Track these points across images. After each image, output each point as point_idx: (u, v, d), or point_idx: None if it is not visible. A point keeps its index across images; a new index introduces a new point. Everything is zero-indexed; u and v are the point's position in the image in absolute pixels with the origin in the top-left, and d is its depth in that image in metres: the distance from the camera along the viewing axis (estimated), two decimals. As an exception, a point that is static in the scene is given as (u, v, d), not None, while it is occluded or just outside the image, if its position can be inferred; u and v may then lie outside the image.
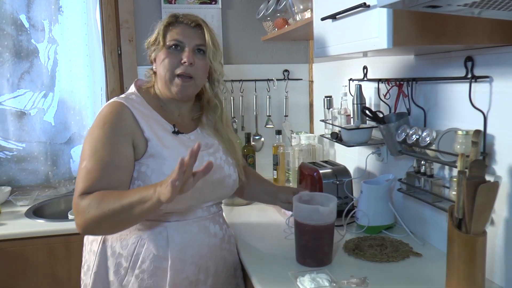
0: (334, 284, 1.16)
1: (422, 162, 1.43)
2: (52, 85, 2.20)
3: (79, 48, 2.20)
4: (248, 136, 2.38)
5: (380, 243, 1.51)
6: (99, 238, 1.35)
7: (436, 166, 1.43)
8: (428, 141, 1.35)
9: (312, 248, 1.34)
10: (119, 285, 1.30)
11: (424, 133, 1.37)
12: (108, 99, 2.28)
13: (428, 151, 1.38)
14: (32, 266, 1.82)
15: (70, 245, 1.83)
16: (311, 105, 2.61)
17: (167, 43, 1.32)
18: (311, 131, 2.60)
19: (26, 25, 2.15)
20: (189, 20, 1.34)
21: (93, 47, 2.20)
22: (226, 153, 1.44)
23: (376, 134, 1.81)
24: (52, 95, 2.21)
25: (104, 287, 1.32)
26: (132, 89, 1.39)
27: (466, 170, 1.10)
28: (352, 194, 1.82)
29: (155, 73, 1.38)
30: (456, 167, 1.25)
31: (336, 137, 1.81)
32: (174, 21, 1.34)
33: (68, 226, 1.83)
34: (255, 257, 1.43)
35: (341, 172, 1.82)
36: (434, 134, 1.34)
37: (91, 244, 1.38)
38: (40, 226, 1.87)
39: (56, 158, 2.24)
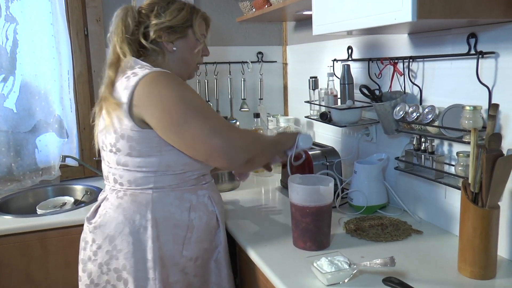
0: (355, 266, 1.13)
1: (422, 139, 1.43)
2: (12, 68, 2.02)
3: (43, 28, 2.02)
4: (224, 120, 2.31)
5: (380, 222, 1.50)
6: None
7: (437, 143, 1.43)
8: (431, 118, 1.35)
9: (313, 230, 1.32)
10: (178, 253, 1.30)
11: (426, 110, 1.37)
12: (75, 83, 2.13)
13: (429, 128, 1.38)
14: (4, 266, 1.67)
15: (47, 242, 1.69)
16: (285, 88, 2.58)
17: (201, 35, 1.38)
18: (286, 114, 2.57)
19: (-20, 1, 1.95)
20: (208, 18, 1.45)
21: (58, 27, 2.03)
22: None
23: (365, 114, 1.80)
24: (13, 79, 2.03)
25: (166, 253, 1.29)
26: (139, 62, 1.28)
27: (480, 144, 1.11)
28: (341, 175, 1.81)
29: (163, 52, 1.34)
30: (463, 142, 1.26)
31: (326, 118, 1.79)
32: (207, 17, 1.44)
33: (42, 221, 1.70)
34: (258, 243, 1.39)
35: (330, 153, 1.81)
36: (437, 111, 1.34)
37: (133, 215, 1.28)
38: (10, 223, 1.69)
39: (19, 148, 2.07)
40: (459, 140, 1.27)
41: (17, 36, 2.01)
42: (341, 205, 1.69)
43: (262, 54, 2.50)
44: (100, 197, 1.35)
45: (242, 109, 2.45)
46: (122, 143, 1.22)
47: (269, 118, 2.38)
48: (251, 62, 2.46)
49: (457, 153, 1.29)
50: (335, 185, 1.73)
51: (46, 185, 2.10)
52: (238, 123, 2.43)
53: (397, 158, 1.54)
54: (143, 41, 1.29)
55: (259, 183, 2.09)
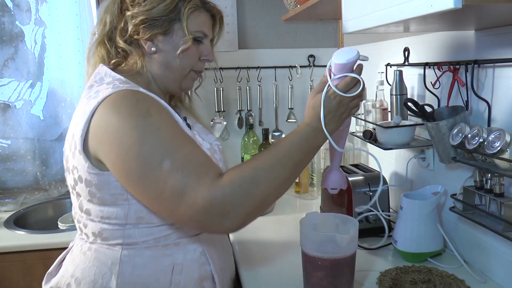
0: None
1: (488, 175, 1.05)
2: (40, 73, 1.91)
3: (70, 31, 1.89)
4: (266, 133, 2.03)
5: (427, 278, 1.14)
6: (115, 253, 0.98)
7: (508, 182, 1.04)
8: (498, 147, 0.97)
9: (327, 287, 1.01)
10: None
11: (492, 136, 1.00)
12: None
13: (496, 161, 1.00)
14: (5, 286, 1.54)
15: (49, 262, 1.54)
16: (340, 96, 2.23)
17: (197, 33, 1.04)
18: (340, 126, 2.23)
19: (10, 4, 1.86)
20: (217, 12, 1.11)
21: (85, 30, 1.89)
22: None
23: (421, 133, 1.43)
24: (40, 85, 1.92)
25: None
26: (110, 75, 1.01)
27: None
28: (388, 209, 1.46)
29: (143, 55, 1.04)
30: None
31: (370, 137, 1.44)
32: (200, 5, 1.05)
33: (53, 239, 1.56)
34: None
35: (375, 179, 1.46)
36: (508, 138, 0.96)
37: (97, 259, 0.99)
38: (18, 239, 1.57)
39: (46, 157, 1.96)
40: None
41: (45, 40, 1.90)
42: (384, 246, 1.34)
43: (314, 57, 2.18)
44: (70, 244, 1.11)
45: (289, 120, 2.16)
46: (81, 187, 0.95)
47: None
48: (301, 66, 2.15)
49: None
50: (377, 220, 1.40)
51: (66, 197, 1.97)
52: (283, 135, 2.14)
53: (452, 196, 1.17)
54: (118, 40, 1.02)
55: (301, 207, 1.80)
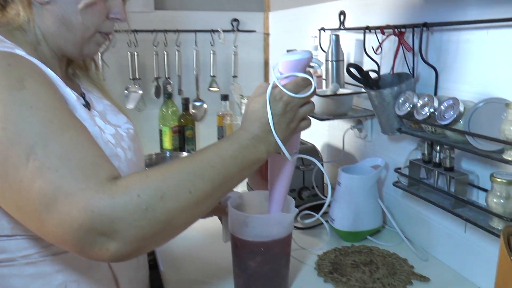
0: None
1: (437, 147, 0.97)
2: None
3: None
4: (186, 102, 1.86)
5: (368, 259, 1.06)
6: None
7: (458, 155, 0.97)
8: (452, 118, 0.88)
9: (267, 274, 0.89)
10: None
11: (445, 105, 0.91)
12: None
13: (448, 132, 0.92)
14: None
15: None
16: (266, 64, 2.10)
17: None
18: (266, 97, 2.10)
19: None
20: None
21: None
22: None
23: (360, 103, 1.34)
24: None
25: None
26: None
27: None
28: (323, 185, 1.36)
29: (30, 4, 0.79)
30: (503, 160, 0.80)
31: (304, 107, 1.32)
32: None
33: None
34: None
35: (309, 152, 1.33)
36: (462, 108, 0.88)
37: None
38: None
39: None
40: (497, 156, 0.81)
41: None
42: (319, 225, 1.24)
43: (238, 21, 2.02)
44: None
45: (210, 89, 1.98)
46: None
47: (242, 100, 1.91)
48: (224, 31, 1.98)
49: (492, 176, 0.83)
50: (313, 196, 1.30)
51: None
52: (205, 105, 1.97)
53: (397, 170, 1.09)
54: None
55: None
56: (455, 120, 0.89)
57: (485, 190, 0.90)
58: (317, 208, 1.26)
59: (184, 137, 1.83)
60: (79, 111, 0.75)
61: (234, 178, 0.71)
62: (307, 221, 0.91)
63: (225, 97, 1.82)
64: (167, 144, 1.81)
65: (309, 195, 1.31)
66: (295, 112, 0.76)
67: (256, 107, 0.74)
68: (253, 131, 0.73)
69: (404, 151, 1.11)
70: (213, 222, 1.01)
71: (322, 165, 1.33)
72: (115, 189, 0.61)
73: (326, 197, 1.26)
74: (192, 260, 1.08)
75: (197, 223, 1.20)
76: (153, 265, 1.17)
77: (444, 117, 0.91)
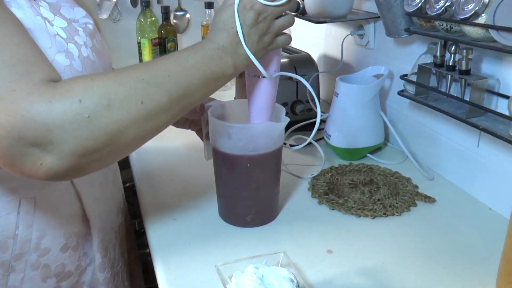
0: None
1: (452, 48, 0.82)
2: None
3: None
4: (166, 11, 1.67)
5: (368, 178, 0.95)
6: None
7: (476, 56, 0.83)
8: (473, 11, 0.73)
9: (254, 194, 0.79)
10: None
11: (466, -6, 0.76)
12: None
13: (466, 29, 0.77)
14: None
15: None
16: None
17: None
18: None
19: None
20: None
21: None
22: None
23: (361, 5, 1.17)
24: None
25: None
26: None
27: None
28: (319, 99, 1.23)
29: None
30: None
31: (297, 9, 1.16)
32: None
33: None
34: (165, 215, 0.85)
35: (303, 62, 1.20)
36: (487, -4, 0.72)
37: None
38: None
39: None
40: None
41: None
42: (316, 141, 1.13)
43: None
44: None
45: (194, -4, 1.79)
46: None
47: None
48: None
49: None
50: (308, 111, 1.18)
51: None
52: (188, 15, 1.78)
53: (403, 77, 0.95)
54: None
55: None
56: (477, 14, 0.74)
57: (507, 97, 0.77)
58: (312, 125, 1.15)
59: (165, 50, 1.67)
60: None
61: (195, 92, 0.61)
62: (297, 147, 0.81)
63: (209, 5, 1.63)
64: (147, 58, 1.65)
65: (302, 109, 1.19)
66: (269, 24, 0.66)
67: (224, 16, 0.65)
68: (219, 42, 0.64)
69: (411, 57, 0.97)
70: (196, 136, 0.90)
71: (318, 76, 1.20)
72: (52, 92, 0.50)
73: (323, 112, 1.15)
74: (171, 179, 0.98)
75: (178, 137, 1.11)
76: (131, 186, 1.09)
77: (463, 10, 0.76)
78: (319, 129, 1.14)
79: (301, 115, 1.19)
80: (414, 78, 0.92)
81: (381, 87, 1.04)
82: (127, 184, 1.19)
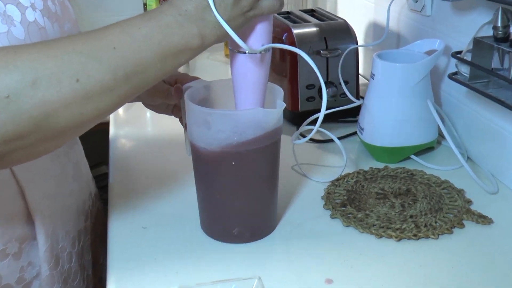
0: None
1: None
2: None
3: None
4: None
5: (405, 188, 0.93)
6: None
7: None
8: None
9: (242, 204, 0.81)
10: None
11: None
12: None
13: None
14: None
15: None
16: None
17: None
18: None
19: None
20: None
21: None
22: None
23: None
24: None
25: None
26: None
27: None
28: (357, 81, 1.21)
29: None
30: None
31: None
32: None
33: None
34: (134, 221, 0.87)
35: (336, 32, 1.19)
36: None
37: None
38: None
39: None
40: None
41: None
42: (345, 137, 1.12)
43: None
44: None
45: None
46: None
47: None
48: None
49: None
50: (342, 96, 1.18)
51: None
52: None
53: (456, 55, 0.92)
54: None
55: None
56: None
57: None
58: (344, 115, 1.15)
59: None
60: None
61: (148, 69, 0.62)
62: (300, 141, 0.81)
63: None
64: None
65: (334, 93, 1.18)
66: None
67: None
68: (182, 6, 0.63)
69: (472, 28, 0.93)
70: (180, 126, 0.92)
71: (356, 51, 1.19)
72: None
73: (359, 98, 1.14)
74: (147, 177, 1.01)
75: (161, 126, 1.14)
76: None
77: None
78: (352, 121, 1.15)
79: (332, 101, 1.18)
80: (469, 57, 0.89)
81: (434, 67, 1.01)
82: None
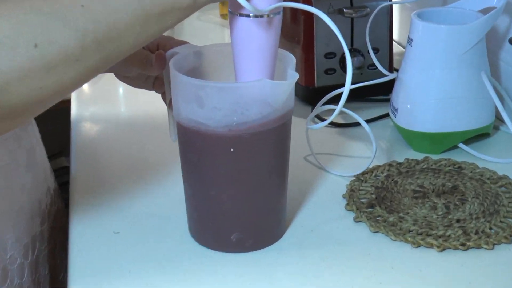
0: None
1: None
2: None
3: None
4: None
5: (450, 185, 0.94)
6: None
7: None
8: None
9: (242, 202, 0.82)
10: None
11: None
12: None
13: None
14: None
15: None
16: None
17: None
18: None
19: None
20: None
21: None
22: None
23: None
24: None
25: None
26: None
27: None
28: (391, 48, 1.23)
29: None
30: None
31: None
32: None
33: None
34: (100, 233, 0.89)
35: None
36: None
37: None
38: None
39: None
40: None
41: None
42: (374, 120, 1.14)
43: None
44: None
45: None
46: None
47: None
48: None
49: None
50: (369, 67, 1.19)
51: None
52: None
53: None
54: None
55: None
56: None
57: None
58: (373, 92, 1.16)
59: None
60: None
61: (126, 34, 0.62)
62: (316, 126, 0.82)
63: None
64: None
65: (361, 64, 1.19)
66: None
67: None
68: None
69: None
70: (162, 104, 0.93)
71: (391, 7, 1.20)
72: None
73: (392, 71, 1.15)
74: (121, 168, 1.04)
75: (139, 103, 1.15)
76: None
77: None
78: (384, 100, 1.16)
79: (358, 75, 1.19)
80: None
81: (491, 30, 1.03)
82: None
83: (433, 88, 1.02)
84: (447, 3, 1.13)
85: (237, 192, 0.80)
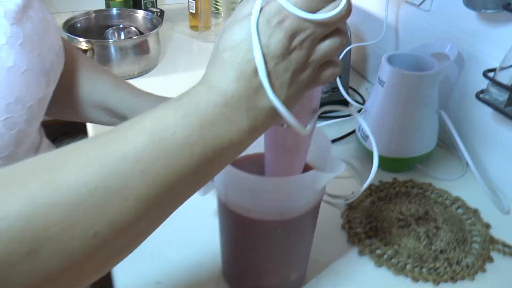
0: None
1: None
2: None
3: None
4: None
5: (422, 210, 0.81)
6: None
7: None
8: None
9: (280, 266, 0.65)
10: None
11: None
12: None
13: None
14: None
15: None
16: None
17: None
18: None
19: None
20: None
21: None
22: None
23: None
24: None
25: None
26: None
27: None
28: (348, 83, 1.04)
29: None
30: None
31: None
32: None
33: None
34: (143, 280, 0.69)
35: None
36: None
37: None
38: None
39: None
40: None
41: None
42: (342, 138, 0.98)
43: None
44: None
45: None
46: None
47: None
48: None
49: None
50: (332, 90, 1.02)
51: None
52: None
53: (487, 74, 0.76)
54: None
55: (201, 56, 1.34)
56: None
57: None
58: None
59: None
60: None
61: (183, 186, 0.38)
62: None
63: None
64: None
65: (327, 89, 1.00)
66: (308, 51, 0.41)
67: (234, 40, 0.40)
68: (226, 89, 0.40)
69: (502, 39, 0.78)
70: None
71: (350, 50, 1.01)
72: None
73: (361, 102, 0.98)
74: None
75: None
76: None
77: None
78: (346, 115, 0.99)
79: (328, 96, 1.01)
80: (506, 75, 0.74)
81: (444, 73, 0.87)
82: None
83: (400, 122, 0.86)
84: (398, 46, 0.94)
85: (278, 260, 0.63)
